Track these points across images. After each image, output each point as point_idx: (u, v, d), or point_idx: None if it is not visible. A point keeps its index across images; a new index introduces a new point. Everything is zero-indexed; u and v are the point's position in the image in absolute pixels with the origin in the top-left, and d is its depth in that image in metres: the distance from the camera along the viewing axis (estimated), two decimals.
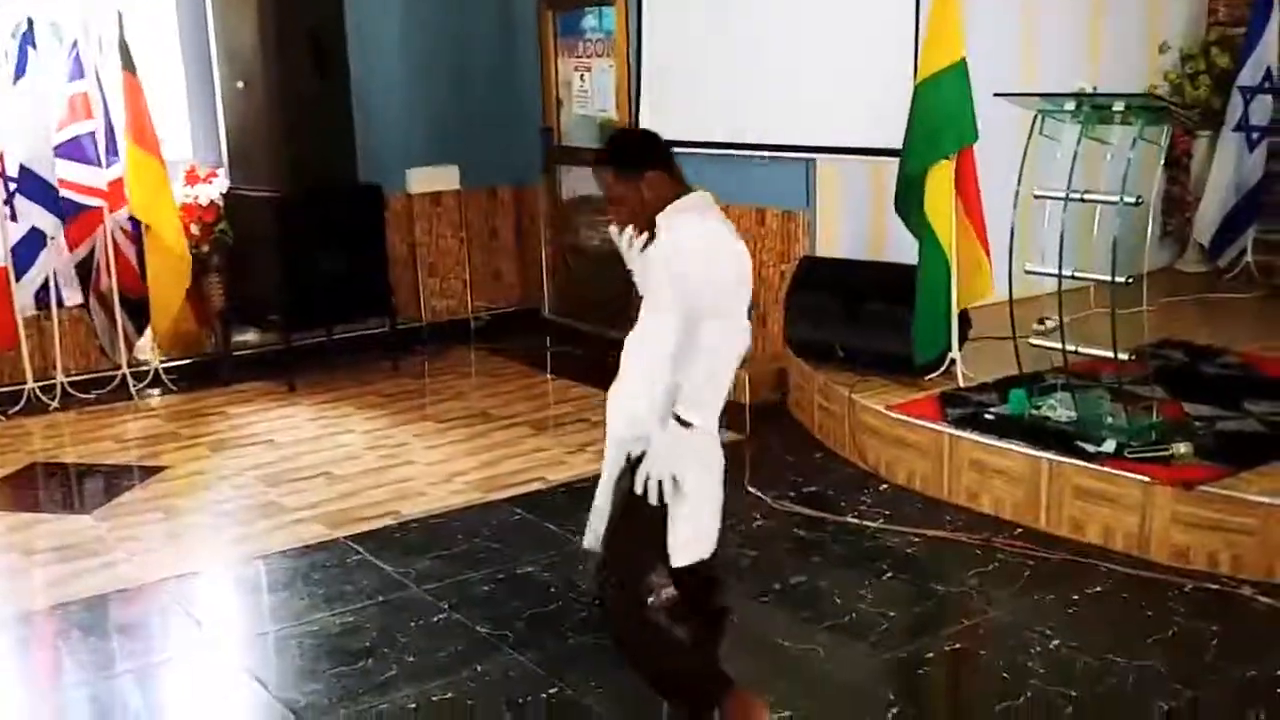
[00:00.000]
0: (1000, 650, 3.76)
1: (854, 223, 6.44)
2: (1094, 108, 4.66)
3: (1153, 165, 4.84)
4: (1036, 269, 4.81)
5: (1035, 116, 4.81)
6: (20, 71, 6.29)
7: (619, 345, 3.26)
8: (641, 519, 3.09)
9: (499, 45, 8.18)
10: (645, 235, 3.19)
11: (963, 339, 5.54)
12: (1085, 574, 4.21)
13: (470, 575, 4.38)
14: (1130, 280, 4.51)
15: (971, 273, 5.40)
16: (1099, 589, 4.11)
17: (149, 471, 5.62)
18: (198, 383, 7.02)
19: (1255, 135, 7.28)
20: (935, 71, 5.14)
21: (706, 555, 3.24)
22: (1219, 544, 4.16)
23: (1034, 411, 4.87)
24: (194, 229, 6.92)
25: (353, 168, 7.10)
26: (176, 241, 6.65)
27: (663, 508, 3.06)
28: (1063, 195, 4.63)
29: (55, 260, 6.51)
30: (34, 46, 6.30)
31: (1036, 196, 4.79)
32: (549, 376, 7.25)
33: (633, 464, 3.11)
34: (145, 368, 6.93)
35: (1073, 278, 4.72)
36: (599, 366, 3.18)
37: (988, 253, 5.39)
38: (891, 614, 4.01)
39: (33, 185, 6.34)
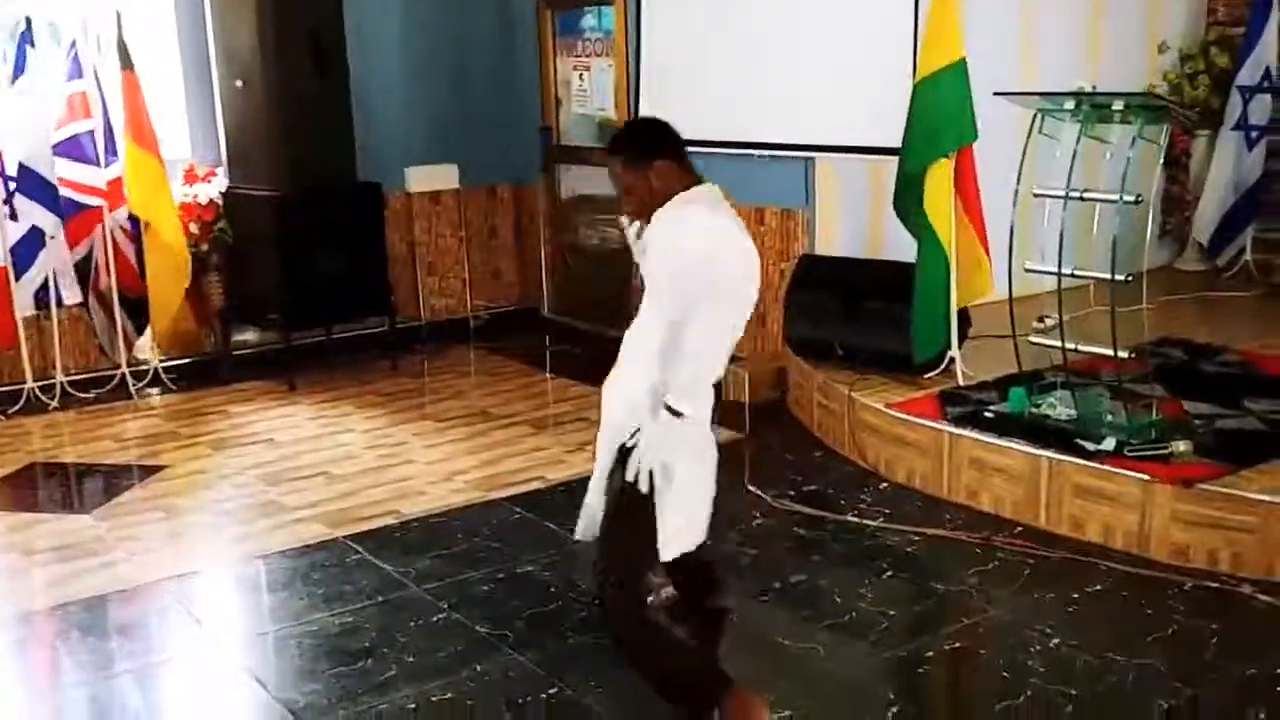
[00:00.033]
0: (1000, 649, 3.76)
1: (853, 221, 6.45)
2: (1093, 107, 4.66)
3: (1152, 164, 4.84)
4: (1036, 267, 4.82)
5: (1035, 115, 4.81)
6: (19, 70, 6.29)
7: (619, 344, 3.26)
8: (636, 515, 3.08)
9: (498, 44, 8.18)
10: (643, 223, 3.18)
11: (962, 337, 5.55)
12: (1085, 572, 4.21)
13: (470, 575, 4.38)
14: (1130, 278, 4.52)
15: (971, 271, 5.40)
16: (1099, 587, 4.11)
17: (148, 471, 5.61)
18: (197, 382, 7.02)
19: (1254, 134, 7.29)
20: (934, 70, 5.14)
21: (694, 547, 3.22)
22: (1219, 542, 4.16)
23: (1034, 410, 4.88)
24: (193, 228, 6.92)
25: (352, 167, 7.10)
26: (175, 240, 6.65)
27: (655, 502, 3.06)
28: (1062, 194, 4.63)
29: (55, 260, 6.50)
30: (32, 45, 6.30)
31: (1036, 195, 4.79)
32: (548, 375, 7.25)
33: (623, 456, 3.11)
34: (145, 367, 6.93)
35: (1072, 276, 4.73)
36: (598, 365, 3.17)
37: (987, 251, 5.39)
38: (891, 613, 4.01)
39: (32, 184, 6.34)
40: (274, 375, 7.00)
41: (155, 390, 6.89)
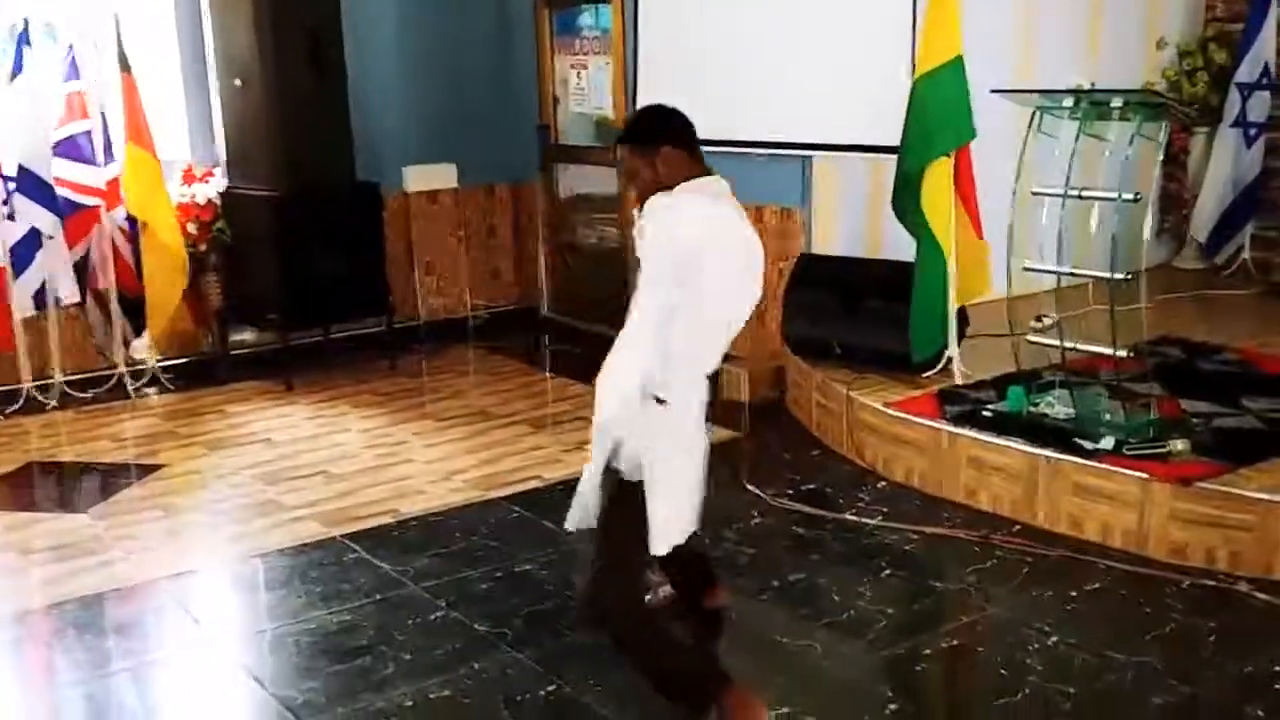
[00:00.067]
0: (998, 647, 3.76)
1: (850, 220, 6.45)
2: (1092, 104, 4.66)
3: (1151, 162, 4.83)
4: (1034, 266, 4.81)
5: (1033, 113, 4.81)
6: (17, 68, 6.28)
7: None
8: (628, 504, 3.08)
9: (496, 44, 8.18)
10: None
11: (960, 336, 5.55)
12: (1083, 571, 4.21)
13: (468, 573, 4.38)
14: (1129, 277, 4.51)
15: (969, 270, 5.40)
16: (1097, 586, 4.11)
17: (146, 470, 5.61)
18: (195, 382, 7.01)
19: (1253, 131, 7.29)
20: (933, 68, 5.13)
21: (684, 539, 3.21)
22: (1217, 540, 4.15)
23: (1032, 408, 4.87)
24: (191, 228, 6.90)
25: (350, 166, 7.10)
26: (172, 240, 6.64)
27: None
28: (1060, 192, 4.63)
29: (53, 260, 6.49)
30: (29, 45, 6.29)
31: (1034, 193, 4.79)
32: (547, 375, 7.24)
33: (618, 448, 3.11)
34: (142, 367, 6.93)
35: (1071, 274, 4.73)
36: (597, 365, 3.17)
37: (985, 250, 5.39)
38: (890, 611, 4.01)
39: (31, 184, 6.33)
40: (271, 375, 7.00)
41: (153, 390, 6.89)
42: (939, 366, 5.51)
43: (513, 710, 3.45)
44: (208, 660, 3.91)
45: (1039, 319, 5.67)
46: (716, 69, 6.60)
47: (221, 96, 7.04)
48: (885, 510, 4.82)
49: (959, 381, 5.41)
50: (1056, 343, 4.74)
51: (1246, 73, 7.21)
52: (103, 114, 6.54)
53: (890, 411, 5.17)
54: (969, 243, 5.37)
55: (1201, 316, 6.60)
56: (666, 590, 3.74)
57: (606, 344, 3.15)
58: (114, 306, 6.74)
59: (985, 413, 4.97)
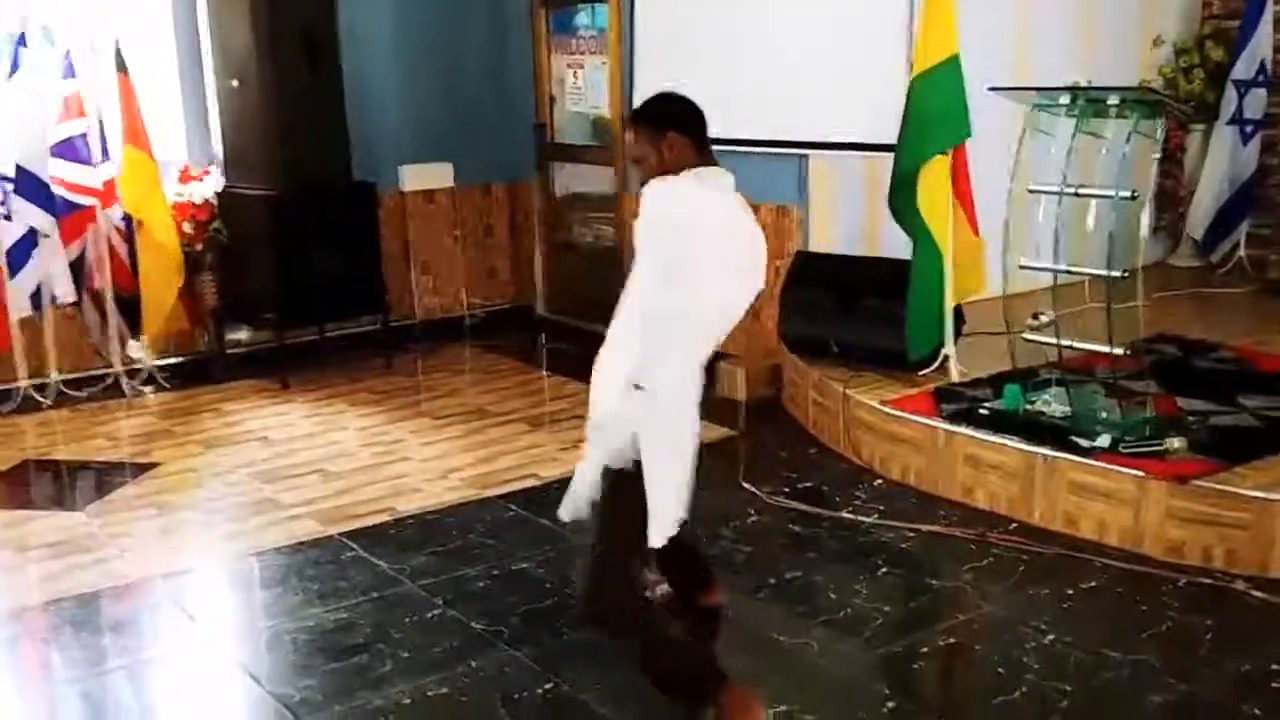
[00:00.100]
0: (995, 645, 3.76)
1: (847, 218, 6.45)
2: (1088, 102, 4.66)
3: (1147, 159, 4.85)
4: (1031, 264, 4.81)
5: (1029, 110, 4.80)
6: (15, 67, 6.27)
7: None
8: (624, 493, 3.07)
9: (492, 42, 8.17)
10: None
11: (957, 334, 5.55)
12: (1079, 569, 4.21)
13: (465, 571, 4.38)
14: (1125, 275, 4.51)
15: (966, 268, 5.40)
16: (1093, 583, 4.12)
17: (142, 468, 5.60)
18: (191, 381, 7.00)
19: (1249, 129, 7.30)
20: (929, 67, 5.13)
21: (676, 528, 3.20)
22: (1213, 538, 4.16)
23: (1028, 406, 4.87)
24: (187, 227, 6.89)
25: (346, 165, 7.09)
26: (168, 239, 6.64)
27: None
28: (1057, 190, 4.63)
29: (49, 259, 6.48)
30: (25, 45, 6.28)
31: (1031, 191, 4.79)
32: (544, 373, 7.24)
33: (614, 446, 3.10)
34: (138, 366, 6.92)
35: (1067, 272, 4.73)
36: (593, 363, 3.16)
37: (981, 248, 5.39)
38: (886, 609, 4.01)
39: (28, 184, 6.32)
40: (267, 374, 6.99)
41: (149, 389, 6.88)
42: (935, 364, 5.51)
43: (510, 708, 3.45)
44: (204, 658, 3.91)
45: (1035, 317, 5.67)
46: (713, 68, 6.58)
47: (218, 96, 7.03)
48: (882, 508, 4.82)
49: (955, 379, 5.41)
50: (1053, 340, 4.74)
51: (1243, 70, 7.22)
52: (99, 114, 6.53)
53: (887, 409, 5.17)
54: (965, 241, 5.38)
55: (1197, 314, 6.60)
56: (664, 589, 3.74)
57: (602, 342, 3.14)
58: (110, 306, 6.74)
59: (982, 411, 4.98)
